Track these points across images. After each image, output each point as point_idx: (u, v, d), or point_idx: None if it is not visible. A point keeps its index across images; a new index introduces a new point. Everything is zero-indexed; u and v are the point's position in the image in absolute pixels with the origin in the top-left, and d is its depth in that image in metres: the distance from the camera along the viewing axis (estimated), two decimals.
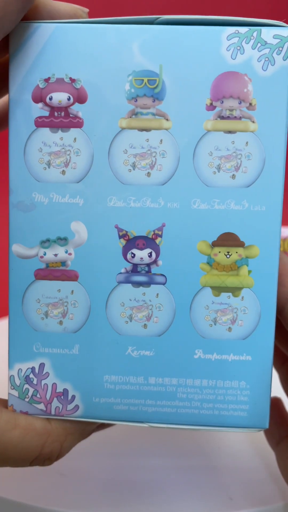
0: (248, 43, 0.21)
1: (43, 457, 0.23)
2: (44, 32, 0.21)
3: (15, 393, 0.23)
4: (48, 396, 0.23)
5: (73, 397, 0.23)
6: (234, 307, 0.22)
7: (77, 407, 0.23)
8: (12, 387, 0.23)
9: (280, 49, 0.21)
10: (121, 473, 0.29)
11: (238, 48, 0.21)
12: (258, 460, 0.30)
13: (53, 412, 0.23)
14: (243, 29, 0.21)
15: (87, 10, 0.23)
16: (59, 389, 0.23)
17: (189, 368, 0.23)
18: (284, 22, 0.21)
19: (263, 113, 0.21)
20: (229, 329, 0.22)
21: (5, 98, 0.27)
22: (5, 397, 0.24)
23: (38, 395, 0.23)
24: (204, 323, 0.22)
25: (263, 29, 0.21)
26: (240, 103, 0.21)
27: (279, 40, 0.21)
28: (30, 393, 0.23)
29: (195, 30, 0.21)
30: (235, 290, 0.22)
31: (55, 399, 0.23)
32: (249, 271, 0.22)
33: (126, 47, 0.21)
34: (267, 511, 0.27)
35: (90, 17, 0.23)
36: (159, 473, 0.29)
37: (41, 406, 0.23)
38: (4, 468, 0.29)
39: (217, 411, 0.23)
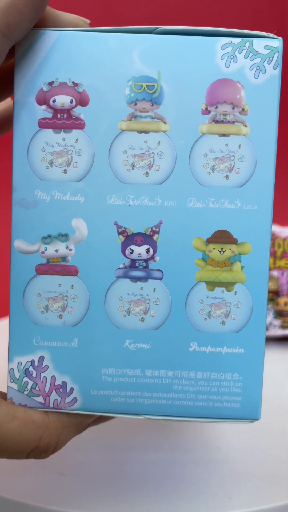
0: (241, 53, 0.23)
1: (40, 449, 0.23)
2: (49, 39, 0.23)
3: (15, 386, 0.24)
4: (47, 389, 0.23)
5: (72, 389, 0.23)
6: (228, 301, 0.23)
7: (75, 399, 0.23)
8: (12, 380, 0.24)
9: (271, 59, 0.23)
10: (120, 470, 0.29)
11: (232, 57, 0.23)
12: (258, 459, 0.31)
13: (51, 405, 0.23)
14: (236, 40, 0.23)
15: (88, 21, 0.25)
16: (58, 381, 0.23)
17: (184, 360, 0.23)
18: (274, 34, 0.23)
19: (255, 118, 0.23)
20: (223, 322, 0.23)
21: (7, 101, 0.28)
22: (4, 390, 0.24)
23: (37, 388, 0.23)
24: (199, 317, 0.23)
25: (255, 40, 0.23)
26: (233, 108, 0.23)
27: (269, 50, 0.23)
28: (29, 386, 0.23)
29: (191, 40, 0.23)
30: (228, 285, 0.23)
31: (53, 391, 0.23)
32: (242, 267, 0.23)
33: (127, 54, 0.23)
34: (267, 511, 0.27)
35: (91, 27, 0.24)
36: (159, 472, 0.29)
37: (40, 399, 0.23)
38: (3, 468, 0.29)
39: (211, 402, 0.24)
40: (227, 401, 0.24)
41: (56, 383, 0.23)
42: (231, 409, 0.24)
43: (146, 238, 0.23)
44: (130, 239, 0.23)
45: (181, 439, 0.32)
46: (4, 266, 0.28)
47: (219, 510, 0.27)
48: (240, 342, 0.23)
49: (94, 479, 0.29)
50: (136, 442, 0.32)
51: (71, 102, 0.23)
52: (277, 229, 0.48)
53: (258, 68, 0.23)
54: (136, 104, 0.23)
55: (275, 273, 0.46)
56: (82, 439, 0.26)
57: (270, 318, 0.46)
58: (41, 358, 0.23)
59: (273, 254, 0.46)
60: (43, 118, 0.23)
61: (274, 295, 0.46)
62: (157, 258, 0.23)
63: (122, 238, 0.23)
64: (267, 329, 0.46)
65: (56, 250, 0.23)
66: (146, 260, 0.23)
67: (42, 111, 0.23)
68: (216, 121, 0.23)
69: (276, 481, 0.29)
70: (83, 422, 0.24)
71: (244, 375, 0.23)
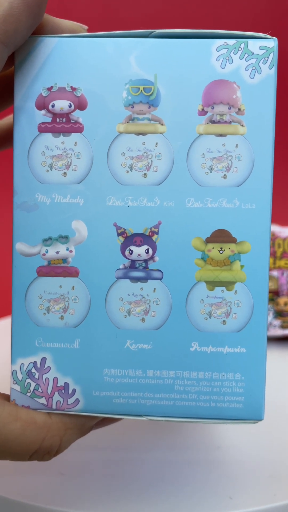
0: (236, 53, 0.23)
1: (43, 451, 0.23)
2: (47, 45, 0.23)
3: (17, 387, 0.24)
4: (49, 390, 0.24)
5: (74, 391, 0.24)
6: (228, 300, 0.23)
7: (77, 401, 0.24)
8: (15, 382, 0.24)
9: (266, 59, 0.23)
10: (119, 470, 0.29)
11: (227, 58, 0.23)
12: (258, 459, 0.30)
13: (54, 406, 0.24)
14: (231, 41, 0.23)
15: (86, 27, 0.25)
16: (60, 383, 0.24)
17: (185, 360, 0.23)
18: (269, 34, 0.23)
19: (252, 117, 0.23)
20: (224, 322, 0.23)
21: (9, 118, 0.29)
22: (8, 392, 0.24)
23: (39, 390, 0.24)
24: (199, 317, 0.23)
25: (250, 41, 0.23)
26: (229, 108, 0.23)
27: (264, 50, 0.23)
28: (32, 388, 0.24)
29: (187, 42, 0.23)
30: (228, 284, 0.23)
31: (56, 393, 0.24)
32: (242, 266, 0.23)
33: (124, 58, 0.23)
34: (267, 511, 0.27)
35: (89, 32, 0.24)
36: (159, 472, 0.29)
37: (43, 400, 0.24)
38: (3, 468, 0.29)
39: (214, 403, 0.23)
40: (229, 401, 0.23)
41: (58, 384, 0.24)
42: (234, 409, 0.23)
43: (146, 238, 0.23)
44: (129, 239, 0.23)
45: (181, 438, 0.32)
46: (5, 268, 0.28)
47: (219, 510, 0.26)
48: (241, 342, 0.23)
49: (94, 479, 0.29)
50: (135, 442, 0.32)
51: (70, 106, 0.23)
52: (277, 229, 0.47)
53: (253, 68, 0.23)
54: (133, 106, 0.23)
55: (275, 273, 0.46)
56: (82, 439, 0.26)
57: (270, 318, 0.46)
58: (43, 360, 0.24)
59: (273, 254, 0.46)
60: (43, 123, 0.23)
61: (274, 295, 0.46)
62: (156, 258, 0.23)
63: (121, 239, 0.23)
64: (267, 329, 0.46)
65: (57, 252, 0.23)
66: (145, 261, 0.23)
67: (42, 116, 0.23)
68: (213, 122, 0.23)
69: (276, 481, 0.29)
70: (86, 423, 0.24)
71: (246, 375, 0.23)
